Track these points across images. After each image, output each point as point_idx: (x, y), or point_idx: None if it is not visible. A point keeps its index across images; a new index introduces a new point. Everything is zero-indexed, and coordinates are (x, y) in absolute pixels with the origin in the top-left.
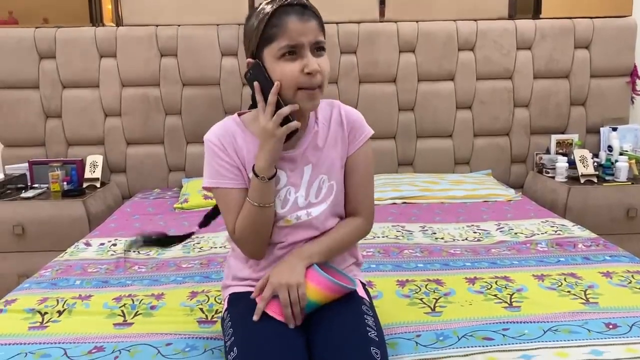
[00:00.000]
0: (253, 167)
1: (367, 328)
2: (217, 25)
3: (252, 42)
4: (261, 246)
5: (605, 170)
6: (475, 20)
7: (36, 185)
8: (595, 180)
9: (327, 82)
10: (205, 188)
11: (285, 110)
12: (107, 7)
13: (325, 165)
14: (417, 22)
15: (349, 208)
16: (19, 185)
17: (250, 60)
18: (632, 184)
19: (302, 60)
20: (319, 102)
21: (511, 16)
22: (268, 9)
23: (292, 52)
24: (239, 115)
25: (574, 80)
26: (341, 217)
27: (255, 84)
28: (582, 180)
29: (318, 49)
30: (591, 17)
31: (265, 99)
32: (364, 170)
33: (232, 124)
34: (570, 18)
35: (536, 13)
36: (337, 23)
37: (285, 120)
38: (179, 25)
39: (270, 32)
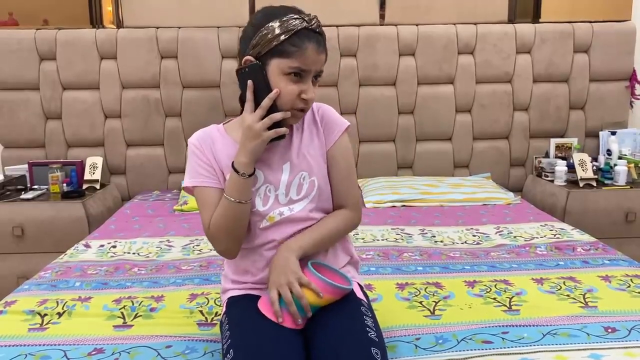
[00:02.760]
0: (233, 163)
1: (367, 329)
2: (218, 27)
3: (263, 45)
4: (234, 244)
5: (604, 174)
6: (475, 24)
7: (36, 187)
8: (594, 184)
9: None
10: (185, 189)
11: (278, 116)
12: (107, 8)
13: (304, 162)
14: (417, 25)
15: (335, 202)
16: (19, 187)
17: (250, 58)
18: (631, 187)
19: (302, 86)
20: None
21: (511, 20)
22: (296, 24)
23: (298, 75)
24: (224, 124)
25: (573, 84)
26: (328, 212)
27: (250, 82)
28: (581, 184)
29: (316, 76)
30: (590, 22)
31: (257, 100)
32: (344, 162)
33: (214, 130)
34: (569, 22)
35: (536, 17)
36: (337, 26)
37: (274, 125)
38: (179, 28)
39: (289, 49)
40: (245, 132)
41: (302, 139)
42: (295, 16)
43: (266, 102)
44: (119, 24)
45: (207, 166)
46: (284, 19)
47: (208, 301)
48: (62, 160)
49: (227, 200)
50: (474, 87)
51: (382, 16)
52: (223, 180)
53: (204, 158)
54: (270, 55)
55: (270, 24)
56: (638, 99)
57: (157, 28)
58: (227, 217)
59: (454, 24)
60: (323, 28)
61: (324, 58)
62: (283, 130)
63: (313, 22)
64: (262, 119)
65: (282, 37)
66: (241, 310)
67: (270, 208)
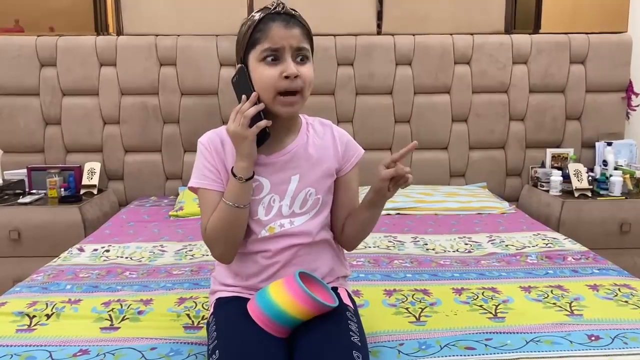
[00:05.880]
0: (232, 169)
1: (350, 333)
2: (216, 35)
3: (241, 47)
4: (230, 249)
5: (599, 185)
6: (472, 34)
7: (34, 191)
8: (589, 194)
9: (309, 90)
10: (190, 188)
11: (251, 111)
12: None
13: (314, 178)
14: (413, 35)
15: (343, 219)
16: (17, 191)
17: (238, 65)
18: (626, 198)
19: (282, 66)
20: (297, 109)
21: (507, 31)
22: (257, 16)
23: (274, 58)
24: None
25: (569, 94)
26: (325, 228)
27: (237, 87)
28: (576, 194)
29: (301, 57)
30: (587, 33)
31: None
32: (357, 185)
33: (224, 132)
34: (565, 33)
35: (536, 28)
36: (334, 35)
37: (256, 121)
38: (178, 35)
39: (256, 37)
40: (232, 139)
41: (319, 156)
42: (259, 9)
43: (246, 106)
44: (119, 32)
45: (213, 168)
46: (249, 16)
47: (196, 305)
48: (60, 165)
49: (224, 204)
50: (470, 96)
51: (379, 26)
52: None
53: (211, 160)
54: (248, 52)
55: (242, 27)
56: (634, 110)
57: (156, 36)
58: (224, 221)
59: (451, 34)
60: (322, 37)
61: (299, 33)
62: (263, 123)
63: (275, 7)
64: (250, 121)
65: (250, 31)
66: (229, 312)
67: (271, 219)
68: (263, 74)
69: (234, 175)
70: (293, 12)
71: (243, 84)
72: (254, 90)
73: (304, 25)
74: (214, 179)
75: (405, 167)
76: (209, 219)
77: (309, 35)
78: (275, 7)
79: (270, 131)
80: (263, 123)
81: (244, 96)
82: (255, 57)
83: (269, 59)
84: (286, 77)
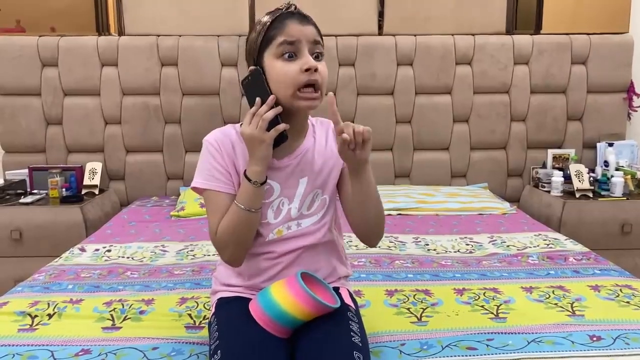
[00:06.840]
0: (245, 172)
1: (351, 333)
2: (218, 36)
3: (254, 49)
4: (240, 252)
5: (601, 186)
6: (473, 35)
7: (35, 191)
8: (590, 195)
9: (325, 88)
10: (194, 189)
11: (270, 114)
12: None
13: (321, 179)
14: (415, 35)
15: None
16: (19, 191)
17: (251, 68)
18: (627, 199)
19: (301, 60)
20: (317, 104)
21: (508, 31)
22: (269, 17)
23: (292, 54)
24: (241, 124)
25: (570, 95)
26: (331, 229)
27: (251, 90)
28: (577, 195)
29: (316, 55)
30: (588, 34)
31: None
32: None
33: (233, 132)
34: (567, 34)
35: (537, 28)
36: (336, 36)
37: (273, 124)
38: (179, 36)
39: (270, 34)
40: (248, 142)
41: (324, 156)
42: (269, 12)
43: (264, 109)
44: (120, 32)
45: (224, 170)
46: (260, 19)
47: (197, 305)
48: (61, 165)
49: (236, 207)
50: (471, 97)
51: (380, 26)
52: (238, 185)
53: (221, 161)
54: (262, 52)
55: (253, 32)
56: (636, 110)
57: (158, 36)
58: (236, 224)
59: (452, 35)
60: (323, 37)
61: (313, 29)
62: (282, 126)
63: (288, 7)
64: (268, 124)
65: (264, 29)
66: (230, 312)
67: (280, 221)
68: (282, 69)
69: (248, 180)
70: (305, 13)
71: (258, 87)
72: (271, 93)
73: (316, 25)
74: (225, 181)
75: (357, 126)
76: (219, 222)
77: (320, 33)
78: (287, 8)
79: (287, 134)
80: (282, 126)
81: (258, 99)
82: (271, 53)
83: (287, 55)
84: (306, 70)
